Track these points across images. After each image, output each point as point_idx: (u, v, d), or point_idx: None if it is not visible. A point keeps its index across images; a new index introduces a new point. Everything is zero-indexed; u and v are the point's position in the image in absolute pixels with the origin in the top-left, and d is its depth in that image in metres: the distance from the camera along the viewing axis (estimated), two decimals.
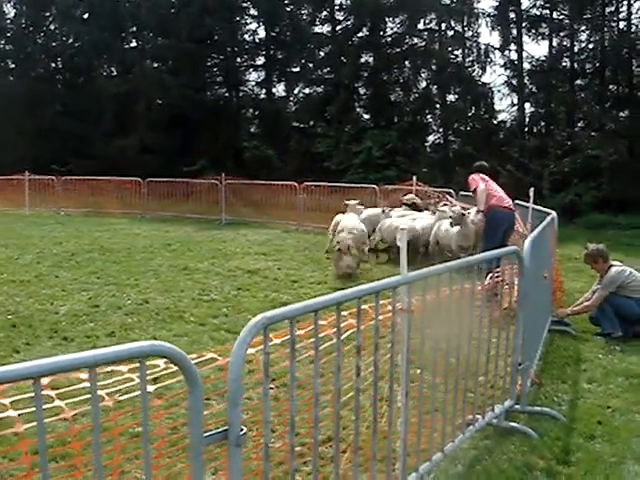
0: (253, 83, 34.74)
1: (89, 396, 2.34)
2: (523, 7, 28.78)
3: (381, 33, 31.58)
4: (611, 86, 27.89)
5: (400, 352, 4.10)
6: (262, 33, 33.86)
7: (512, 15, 29.13)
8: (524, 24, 28.74)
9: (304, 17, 33.03)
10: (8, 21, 34.94)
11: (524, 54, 28.94)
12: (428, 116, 31.94)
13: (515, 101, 29.69)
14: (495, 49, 29.98)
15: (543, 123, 29.33)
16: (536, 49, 60.46)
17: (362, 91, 33.03)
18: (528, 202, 11.62)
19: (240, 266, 13.04)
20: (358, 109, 32.64)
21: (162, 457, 3.82)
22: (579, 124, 28.08)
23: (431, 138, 32.06)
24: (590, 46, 27.72)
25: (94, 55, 33.32)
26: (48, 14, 34.63)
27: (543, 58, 28.81)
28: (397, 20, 31.18)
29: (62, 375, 2.33)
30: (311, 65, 33.12)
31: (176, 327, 8.42)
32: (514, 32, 29.20)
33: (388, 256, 14.03)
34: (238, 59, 34.26)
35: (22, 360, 6.68)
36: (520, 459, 4.82)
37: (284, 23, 32.93)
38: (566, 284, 10.73)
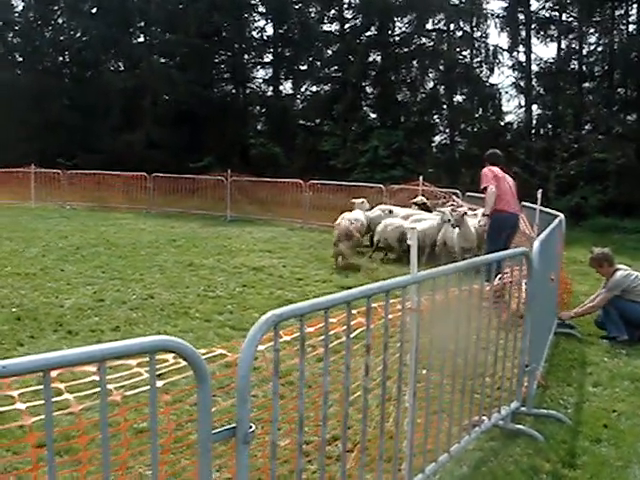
0: (260, 80, 34.80)
1: (95, 390, 2.32)
2: (532, 9, 28.73)
3: (389, 32, 31.52)
4: (619, 89, 27.78)
5: (409, 352, 4.08)
6: (270, 30, 33.90)
7: (521, 16, 29.04)
8: (533, 26, 28.64)
9: (312, 15, 33.01)
10: (16, 14, 34.89)
11: (532, 56, 28.89)
12: (435, 116, 31.88)
13: (522, 103, 29.66)
14: (503, 50, 29.96)
15: (550, 125, 29.23)
16: (544, 51, 60.35)
17: (369, 90, 33.02)
18: (534, 204, 11.60)
19: (245, 263, 13.03)
20: (365, 108, 32.60)
21: (167, 453, 3.81)
22: (586, 127, 27.99)
23: (437, 138, 32.01)
24: (599, 49, 27.64)
25: (102, 50, 33.28)
26: (56, 8, 34.61)
27: (551, 60, 28.73)
28: (405, 20, 31.14)
29: (68, 368, 2.31)
30: (319, 63, 33.10)
31: (181, 323, 8.40)
32: (523, 33, 29.11)
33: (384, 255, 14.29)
34: (246, 56, 34.23)
35: (26, 353, 6.69)
36: (526, 462, 4.80)
37: (292, 21, 32.88)
38: (572, 287, 10.70)
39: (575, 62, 28.24)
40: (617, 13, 27.11)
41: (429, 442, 4.31)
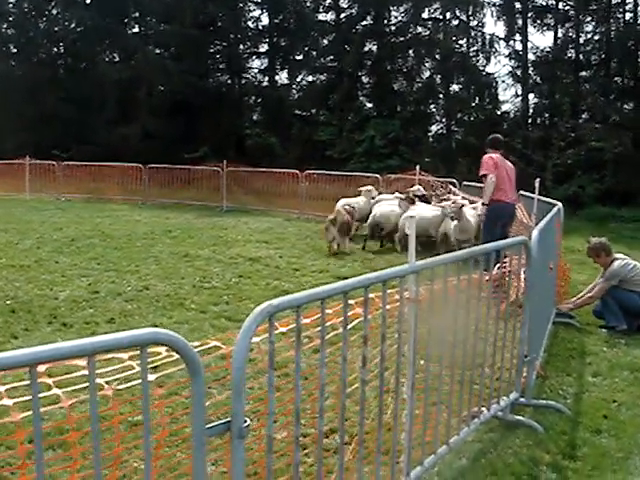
0: (256, 70, 34.62)
1: (86, 384, 2.26)
2: None
3: (385, 22, 31.37)
4: (616, 78, 27.74)
5: (407, 343, 4.02)
6: (265, 20, 33.69)
7: (517, 5, 28.96)
8: (529, 14, 28.53)
9: (308, 4, 32.81)
10: (10, 5, 34.62)
11: (529, 44, 28.82)
12: (431, 106, 31.79)
13: (519, 92, 29.55)
14: (500, 39, 29.87)
15: (547, 114, 29.20)
16: (541, 40, 60.52)
17: (365, 80, 32.86)
18: (532, 193, 11.56)
19: (241, 254, 12.97)
20: (361, 98, 32.45)
21: (162, 447, 3.75)
22: (583, 116, 27.94)
23: (434, 128, 31.99)
24: (595, 37, 27.59)
25: (96, 41, 33.01)
26: None
27: (548, 49, 28.64)
28: (401, 9, 30.95)
29: (59, 362, 2.24)
30: (314, 53, 32.93)
31: (177, 314, 8.34)
32: (519, 22, 28.99)
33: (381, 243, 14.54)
34: (241, 46, 34.03)
35: (20, 346, 6.62)
36: (526, 453, 4.76)
37: (287, 10, 32.69)
38: (570, 276, 10.66)
39: (572, 51, 28.16)
40: (613, 1, 27.01)
41: (428, 434, 4.26)
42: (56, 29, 34.69)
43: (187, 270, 11.26)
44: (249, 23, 33.83)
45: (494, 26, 57.07)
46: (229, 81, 34.65)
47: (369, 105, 32.27)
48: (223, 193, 22.90)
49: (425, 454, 4.24)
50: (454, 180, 18.31)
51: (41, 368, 2.26)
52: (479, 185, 10.77)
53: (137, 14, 34.15)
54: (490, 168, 10.09)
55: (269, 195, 22.04)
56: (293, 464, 3.16)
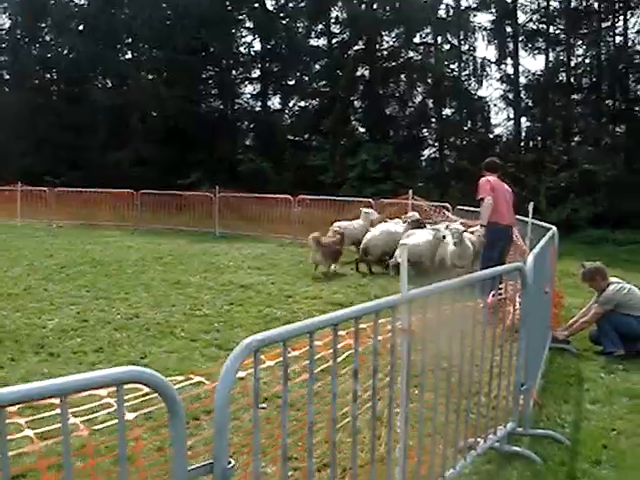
0: (248, 96, 34.77)
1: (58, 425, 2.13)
2: (519, 21, 28.88)
3: (377, 46, 31.54)
4: (608, 101, 27.85)
5: (400, 375, 3.88)
6: (258, 46, 33.91)
7: (508, 29, 29.18)
8: (520, 38, 28.75)
9: (300, 30, 32.93)
10: (3, 32, 34.77)
11: (520, 68, 29.03)
12: (424, 130, 31.92)
13: (511, 115, 29.71)
14: (491, 63, 30.08)
15: (539, 137, 29.33)
16: (532, 63, 60.83)
17: (358, 104, 32.98)
18: (526, 217, 11.50)
19: (233, 280, 12.82)
20: (354, 122, 32.58)
21: None
22: (575, 139, 28.07)
23: (427, 152, 32.12)
24: (587, 61, 27.77)
25: (89, 67, 33.10)
26: (44, 25, 34.41)
27: (539, 72, 28.85)
28: (393, 34, 31.18)
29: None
30: (307, 78, 33.07)
31: (166, 343, 8.17)
32: (510, 46, 29.22)
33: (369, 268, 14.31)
34: (233, 72, 34.20)
35: (4, 377, 6.47)
36: None
37: (280, 36, 32.82)
38: (565, 300, 10.55)
39: (563, 74, 28.30)
40: (604, 25, 27.20)
41: (423, 468, 4.11)
42: (49, 55, 34.78)
43: (178, 297, 11.10)
44: (241, 49, 34.09)
45: (485, 50, 57.58)
46: (222, 106, 34.73)
47: (362, 130, 32.37)
48: (215, 219, 22.79)
49: None
50: (447, 204, 18.25)
51: (12, 409, 2.12)
52: (473, 209, 10.71)
53: (129, 40, 34.27)
54: (487, 191, 10.07)
55: (262, 221, 21.93)
56: None
